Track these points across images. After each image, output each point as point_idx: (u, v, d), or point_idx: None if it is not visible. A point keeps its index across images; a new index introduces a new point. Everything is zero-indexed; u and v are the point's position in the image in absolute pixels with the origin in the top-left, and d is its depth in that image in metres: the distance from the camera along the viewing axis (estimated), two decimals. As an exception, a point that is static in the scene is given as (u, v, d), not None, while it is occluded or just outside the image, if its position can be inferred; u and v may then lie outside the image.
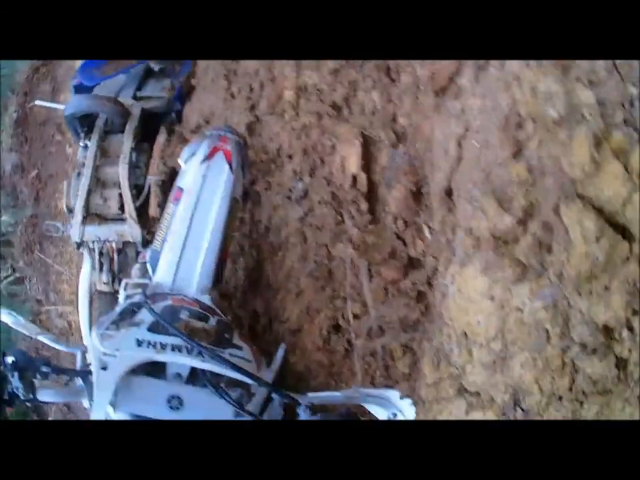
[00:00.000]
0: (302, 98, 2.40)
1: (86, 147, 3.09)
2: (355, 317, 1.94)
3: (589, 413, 1.21)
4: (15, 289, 5.00)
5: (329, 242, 2.05)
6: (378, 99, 2.04)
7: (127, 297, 2.03)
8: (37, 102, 4.67)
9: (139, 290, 1.95)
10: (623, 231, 1.17)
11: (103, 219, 2.91)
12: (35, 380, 1.46)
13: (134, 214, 2.83)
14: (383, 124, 1.96)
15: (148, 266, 2.11)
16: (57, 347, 1.80)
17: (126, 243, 2.91)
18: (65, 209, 3.03)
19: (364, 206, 1.94)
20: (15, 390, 1.39)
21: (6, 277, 4.89)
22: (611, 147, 1.18)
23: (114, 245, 2.89)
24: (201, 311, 1.86)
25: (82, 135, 3.13)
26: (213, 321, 1.80)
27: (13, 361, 1.40)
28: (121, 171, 2.90)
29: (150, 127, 3.26)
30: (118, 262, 2.94)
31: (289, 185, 2.32)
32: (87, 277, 2.93)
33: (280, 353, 2.12)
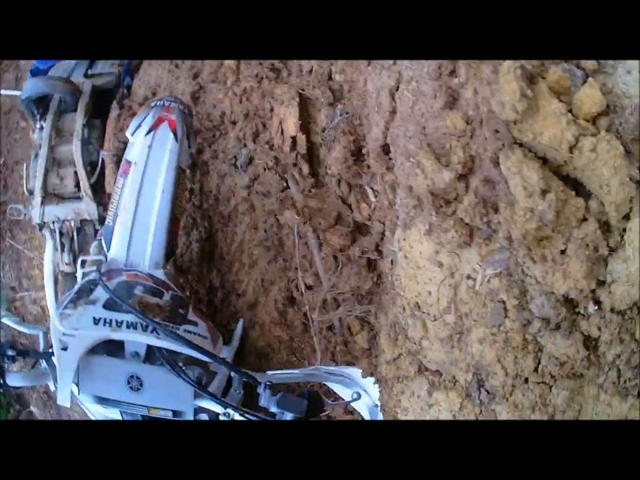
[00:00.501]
0: (242, 62, 2.08)
1: (42, 128, 2.83)
2: (309, 288, 1.69)
3: (559, 398, 0.98)
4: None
5: (277, 209, 1.78)
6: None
7: (84, 274, 1.85)
8: (2, 91, 4.32)
9: (95, 267, 1.79)
10: (576, 186, 0.91)
11: (60, 198, 2.66)
12: (2, 364, 1.41)
13: (89, 191, 2.58)
14: (319, 82, 1.67)
15: (102, 242, 1.92)
16: (19, 328, 1.72)
17: (84, 221, 2.67)
18: (25, 192, 2.80)
19: (305, 169, 1.68)
20: None
21: None
22: (548, 85, 0.93)
23: (72, 224, 2.66)
24: (154, 286, 1.70)
25: (38, 117, 2.87)
26: (167, 296, 1.65)
27: None
28: (74, 149, 2.64)
29: (101, 103, 2.98)
30: (78, 241, 2.71)
31: (234, 152, 2.02)
32: (50, 258, 2.63)
33: (238, 329, 1.97)
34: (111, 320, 1.45)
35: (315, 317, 1.64)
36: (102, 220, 2.58)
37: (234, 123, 2.05)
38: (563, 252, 0.91)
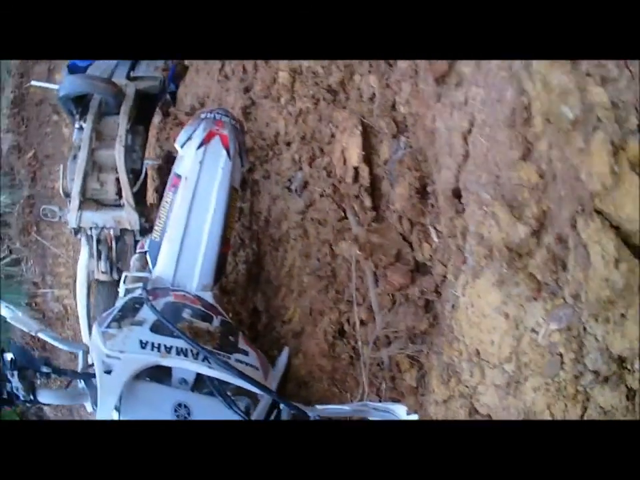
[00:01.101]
0: (297, 81, 2.26)
1: (81, 128, 3.00)
2: (361, 322, 1.84)
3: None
4: (11, 271, 4.99)
5: (332, 239, 1.95)
6: (376, 85, 1.90)
7: (127, 291, 1.96)
8: (33, 82, 4.59)
9: (140, 284, 1.88)
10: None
11: (100, 204, 2.82)
12: (35, 380, 1.41)
13: (131, 200, 2.73)
14: (382, 112, 1.83)
15: (147, 257, 2.04)
16: (57, 345, 1.70)
17: (124, 231, 2.81)
18: (61, 193, 2.94)
19: (368, 202, 1.82)
20: (14, 390, 1.34)
21: (3, 258, 4.91)
22: (627, 157, 1.07)
23: (112, 232, 2.79)
24: (203, 309, 1.78)
25: (77, 116, 3.03)
26: (216, 321, 1.71)
27: (12, 359, 1.34)
28: (117, 155, 2.79)
29: (144, 108, 3.14)
30: (116, 250, 2.85)
31: (288, 174, 2.21)
32: (84, 265, 2.86)
33: (284, 357, 2.04)
34: (159, 344, 1.48)
35: (364, 352, 1.79)
36: (143, 231, 2.79)
37: (288, 144, 2.23)
38: (622, 315, 1.08)
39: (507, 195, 1.31)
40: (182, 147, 2.04)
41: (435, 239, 1.60)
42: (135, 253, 2.75)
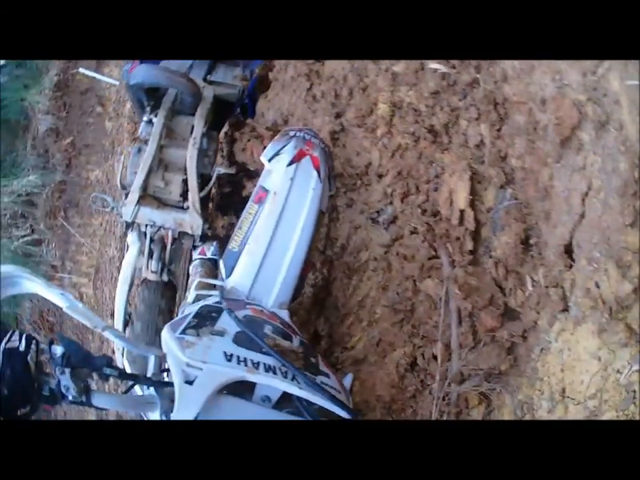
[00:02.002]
0: (396, 115, 2.71)
1: (150, 122, 3.30)
2: (435, 358, 2.22)
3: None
4: (30, 250, 5.49)
5: (417, 275, 2.34)
6: (487, 134, 2.32)
7: (198, 297, 2.13)
8: (82, 70, 5.08)
9: (214, 292, 2.08)
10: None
11: (161, 203, 3.08)
12: (89, 380, 1.44)
13: (198, 205, 3.00)
14: (491, 161, 2.25)
15: (221, 266, 2.29)
16: (125, 346, 1.78)
17: (182, 234, 3.06)
18: (118, 184, 3.20)
19: (470, 245, 2.23)
20: (62, 388, 1.37)
21: (23, 236, 5.38)
22: None
23: (170, 234, 3.04)
24: (282, 327, 1.98)
25: (148, 108, 3.33)
26: (296, 341, 1.89)
27: (63, 354, 1.38)
28: (189, 156, 3.08)
29: (219, 115, 3.50)
30: (170, 252, 3.10)
31: (376, 206, 2.63)
32: (132, 261, 3.10)
33: (347, 383, 2.21)
34: (245, 358, 1.57)
35: (435, 387, 2.14)
36: (203, 237, 3.06)
37: (380, 177, 2.66)
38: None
39: (614, 256, 1.70)
40: (269, 161, 2.32)
41: (530, 288, 1.99)
42: (192, 257, 3.07)
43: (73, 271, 5.25)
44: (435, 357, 2.22)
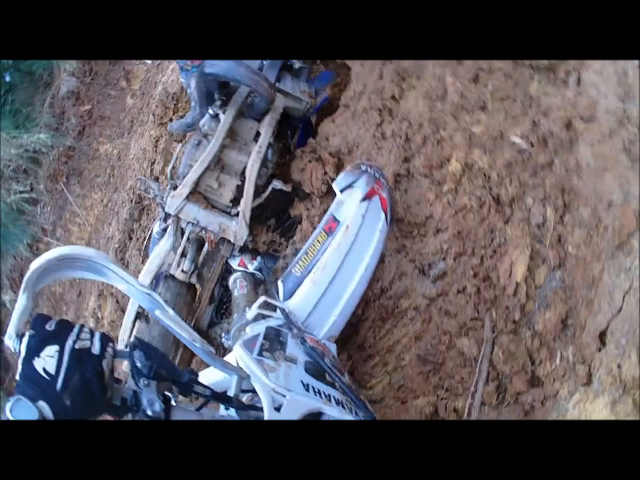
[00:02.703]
0: (466, 176, 3.40)
1: (216, 116, 3.84)
2: (455, 411, 2.89)
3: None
4: (25, 207, 6.37)
5: (455, 332, 3.02)
6: (551, 218, 3.05)
7: (259, 315, 2.48)
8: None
9: (276, 314, 2.49)
10: None
11: (209, 204, 3.52)
12: (167, 395, 1.55)
13: (248, 215, 3.44)
14: (550, 243, 2.96)
15: (280, 287, 2.78)
16: (213, 363, 1.80)
17: (223, 240, 3.48)
18: (168, 174, 3.68)
19: (517, 316, 2.89)
20: (145, 402, 1.48)
21: (21, 192, 6.12)
22: None
23: (212, 237, 3.47)
24: (336, 361, 2.37)
25: (218, 102, 3.86)
26: (347, 376, 2.22)
27: (150, 364, 1.47)
28: (251, 164, 3.60)
29: (283, 126, 4.12)
30: (205, 255, 3.58)
31: (428, 258, 3.31)
32: (162, 254, 3.52)
33: None
34: (319, 390, 1.86)
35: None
36: (243, 248, 3.58)
37: (438, 231, 3.33)
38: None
39: (637, 344, 2.44)
40: (342, 191, 2.89)
41: (557, 361, 2.70)
42: (230, 267, 3.61)
43: (61, 238, 6.07)
44: (455, 410, 2.87)
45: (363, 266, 2.80)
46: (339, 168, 3.86)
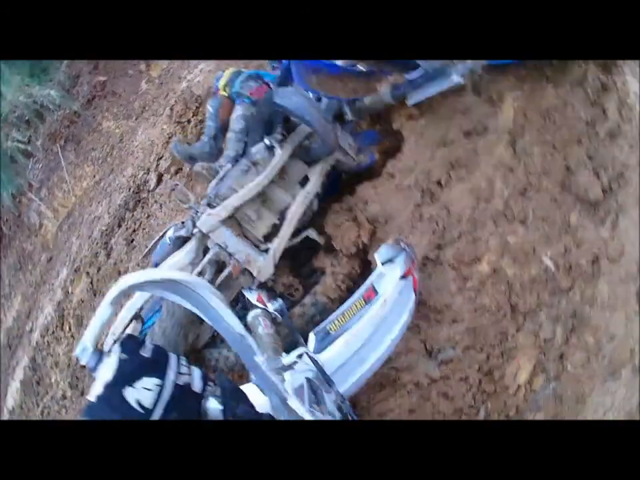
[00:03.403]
0: (490, 279, 4.35)
1: (271, 148, 4.48)
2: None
3: None
4: (18, 158, 7.73)
5: (449, 415, 3.91)
6: (559, 335, 3.97)
7: (294, 363, 3.07)
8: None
9: (311, 365, 3.06)
10: None
11: (242, 233, 4.19)
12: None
13: (278, 255, 4.13)
14: (552, 358, 3.90)
15: (311, 339, 3.46)
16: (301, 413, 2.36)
17: (246, 272, 4.13)
18: (208, 192, 4.36)
19: (512, 412, 3.78)
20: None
21: (19, 141, 7.47)
22: None
23: (237, 265, 4.12)
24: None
25: (278, 136, 4.53)
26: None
27: (234, 406, 1.85)
28: (295, 207, 4.31)
29: (329, 178, 4.90)
30: (221, 280, 4.16)
31: (439, 343, 4.25)
32: (179, 267, 4.13)
33: None
34: None
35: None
36: (262, 285, 4.22)
37: (454, 322, 4.27)
38: None
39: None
40: (383, 264, 3.67)
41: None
42: (249, 300, 4.19)
43: (44, 199, 7.34)
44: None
45: (391, 337, 3.63)
46: (372, 235, 4.80)
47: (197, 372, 1.91)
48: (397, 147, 5.31)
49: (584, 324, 3.90)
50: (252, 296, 4.19)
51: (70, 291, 7.38)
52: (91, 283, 7.09)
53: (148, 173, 7.45)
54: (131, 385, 1.69)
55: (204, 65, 8.01)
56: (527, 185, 4.41)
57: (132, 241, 7.02)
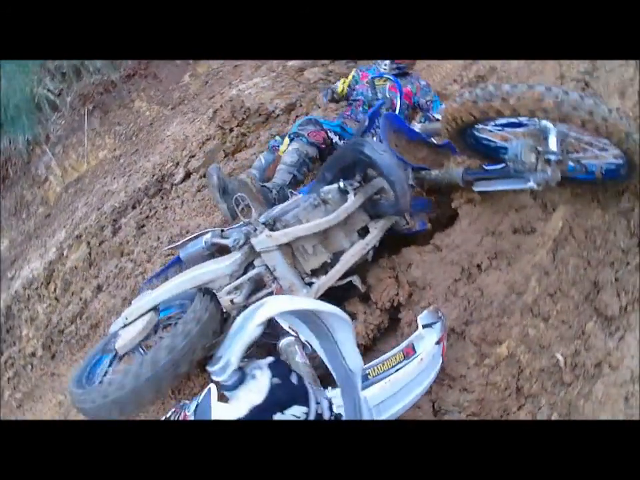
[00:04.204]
0: (506, 361, 5.18)
1: (344, 192, 5.44)
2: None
3: None
4: (45, 106, 9.36)
5: None
6: (553, 419, 5.21)
7: (333, 402, 3.63)
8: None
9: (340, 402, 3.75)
10: None
11: (293, 262, 5.10)
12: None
13: (320, 293, 5.05)
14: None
15: (349, 375, 3.90)
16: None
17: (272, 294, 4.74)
18: (267, 213, 5.24)
19: None
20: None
21: (50, 91, 9.22)
22: None
23: (279, 289, 4.96)
24: None
25: (356, 183, 5.53)
26: None
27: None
28: (352, 254, 5.30)
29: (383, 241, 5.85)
30: (258, 300, 4.44)
31: (447, 405, 5.42)
32: (218, 274, 4.97)
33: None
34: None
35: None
36: (275, 328, 4.71)
37: (464, 390, 5.56)
38: None
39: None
40: (424, 327, 4.84)
41: None
42: (276, 323, 4.67)
43: (57, 155, 8.90)
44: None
45: (417, 392, 4.83)
46: (409, 296, 6.01)
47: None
48: (446, 222, 6.54)
49: (577, 413, 4.94)
50: (285, 324, 4.76)
51: (65, 254, 8.60)
52: (89, 253, 8.32)
53: (176, 167, 8.61)
54: (281, 412, 2.17)
55: (259, 80, 9.42)
56: (557, 289, 5.47)
57: (142, 226, 8.12)
